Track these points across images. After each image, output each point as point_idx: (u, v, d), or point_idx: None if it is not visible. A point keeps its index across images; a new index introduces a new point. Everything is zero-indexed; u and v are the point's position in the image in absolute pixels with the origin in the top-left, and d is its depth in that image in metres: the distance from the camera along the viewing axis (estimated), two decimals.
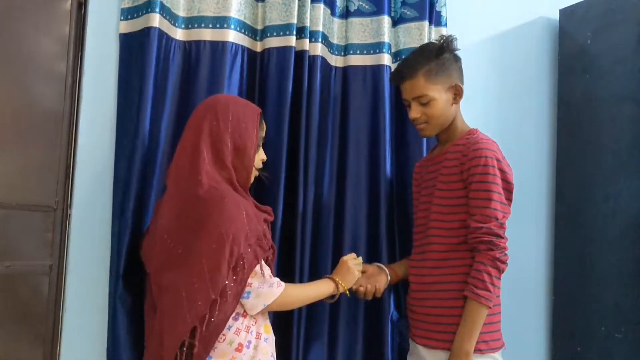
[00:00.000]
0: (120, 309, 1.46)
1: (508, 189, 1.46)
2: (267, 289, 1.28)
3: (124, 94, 1.59)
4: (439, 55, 1.52)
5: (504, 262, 1.40)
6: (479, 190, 1.43)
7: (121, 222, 1.48)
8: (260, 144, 1.44)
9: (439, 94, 1.51)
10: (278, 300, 1.30)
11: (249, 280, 1.26)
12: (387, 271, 1.64)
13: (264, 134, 1.47)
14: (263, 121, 1.45)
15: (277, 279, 1.33)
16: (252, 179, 1.44)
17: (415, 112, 1.53)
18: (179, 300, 1.21)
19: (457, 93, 1.53)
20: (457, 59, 1.57)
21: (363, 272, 1.60)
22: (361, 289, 1.58)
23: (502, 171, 1.45)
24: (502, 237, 1.41)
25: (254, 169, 1.40)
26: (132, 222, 1.48)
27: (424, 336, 1.51)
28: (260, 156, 1.46)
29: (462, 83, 1.56)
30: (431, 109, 1.51)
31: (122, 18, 1.61)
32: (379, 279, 1.62)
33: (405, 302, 1.66)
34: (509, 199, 1.48)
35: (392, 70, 1.63)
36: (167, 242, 1.27)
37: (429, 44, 1.63)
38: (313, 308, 1.72)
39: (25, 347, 1.50)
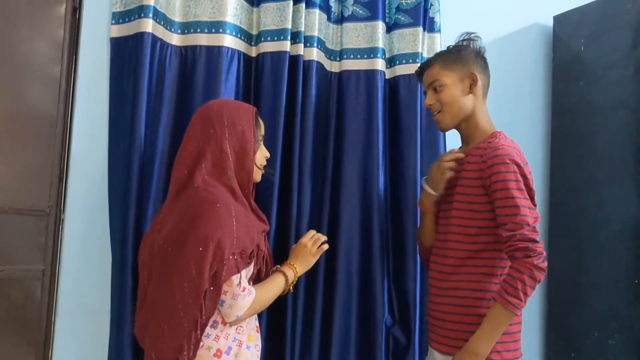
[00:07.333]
0: (125, 313, 1.46)
1: (530, 195, 1.43)
2: (240, 300, 1.26)
3: (117, 99, 1.59)
4: (457, 47, 1.55)
5: (541, 270, 1.33)
6: (504, 199, 1.39)
7: (122, 227, 1.48)
8: (261, 142, 1.44)
9: (451, 81, 1.51)
10: (250, 310, 1.29)
11: (225, 288, 1.25)
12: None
13: (262, 132, 1.46)
14: (259, 119, 1.44)
15: (248, 287, 1.30)
16: (259, 178, 1.44)
17: (429, 99, 1.55)
18: (175, 304, 1.21)
19: (472, 83, 1.52)
20: (479, 55, 1.57)
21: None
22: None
23: (524, 177, 1.41)
24: (537, 242, 1.34)
25: (255, 168, 1.40)
26: (132, 226, 1.48)
27: (439, 341, 1.49)
28: (263, 153, 1.45)
29: (484, 77, 1.55)
30: (442, 94, 1.52)
31: (113, 22, 1.61)
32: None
33: (425, 307, 1.64)
34: (533, 204, 1.43)
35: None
36: (164, 247, 1.27)
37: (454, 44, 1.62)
38: (306, 312, 1.73)
39: (18, 352, 1.49)
